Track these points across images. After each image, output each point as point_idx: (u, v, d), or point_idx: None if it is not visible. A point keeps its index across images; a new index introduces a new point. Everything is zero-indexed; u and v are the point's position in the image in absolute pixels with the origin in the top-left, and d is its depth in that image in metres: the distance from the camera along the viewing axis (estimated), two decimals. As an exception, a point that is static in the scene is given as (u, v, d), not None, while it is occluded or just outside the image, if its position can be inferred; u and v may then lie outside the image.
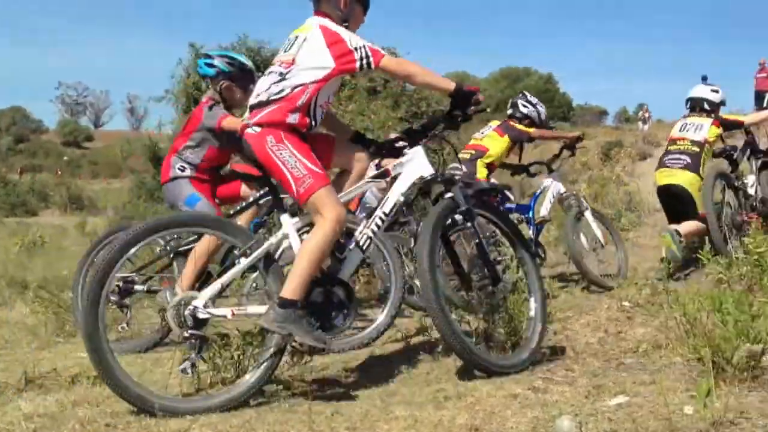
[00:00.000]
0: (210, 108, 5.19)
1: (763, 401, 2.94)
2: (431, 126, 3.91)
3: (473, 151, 6.98)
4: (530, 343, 3.87)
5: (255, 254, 3.49)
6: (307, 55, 3.61)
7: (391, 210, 3.76)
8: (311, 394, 3.39)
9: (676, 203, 6.81)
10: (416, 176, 3.82)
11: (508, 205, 6.66)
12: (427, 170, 3.82)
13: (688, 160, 6.76)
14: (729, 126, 7.19)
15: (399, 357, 4.25)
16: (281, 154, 3.52)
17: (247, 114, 3.70)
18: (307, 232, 3.65)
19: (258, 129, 3.56)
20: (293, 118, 3.57)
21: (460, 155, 6.29)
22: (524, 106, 7.36)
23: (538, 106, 7.37)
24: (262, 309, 3.51)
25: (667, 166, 6.87)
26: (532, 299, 3.98)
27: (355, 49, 3.57)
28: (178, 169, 5.23)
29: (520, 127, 7.14)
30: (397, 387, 3.56)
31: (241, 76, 5.33)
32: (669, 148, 7.05)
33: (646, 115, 34.12)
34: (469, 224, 3.83)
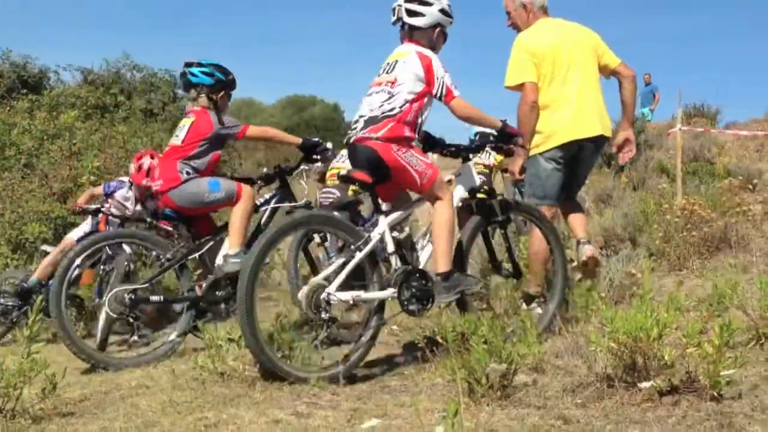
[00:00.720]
0: (217, 117, 5.41)
1: (513, 418, 3.10)
2: (479, 149, 4.96)
3: None
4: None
5: (366, 249, 4.16)
6: (406, 76, 4.30)
7: None
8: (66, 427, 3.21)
9: None
10: (468, 186, 4.66)
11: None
12: (476, 182, 4.71)
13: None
14: None
15: (165, 384, 4.09)
16: (405, 156, 4.25)
17: (360, 125, 4.33)
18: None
19: (382, 141, 4.22)
20: (407, 132, 4.29)
21: (329, 181, 7.34)
22: None
23: None
24: (380, 294, 4.22)
25: None
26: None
27: (437, 78, 4.31)
28: (186, 173, 5.32)
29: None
30: (158, 417, 3.41)
31: (232, 85, 5.64)
32: None
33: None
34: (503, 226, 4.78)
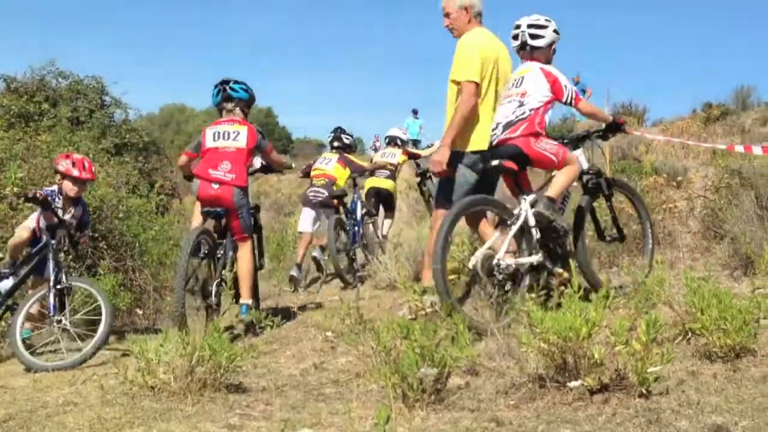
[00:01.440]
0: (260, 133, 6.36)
1: (447, 422, 3.11)
2: (587, 138, 5.67)
3: (326, 179, 9.16)
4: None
5: (518, 223, 4.99)
6: (533, 88, 5.18)
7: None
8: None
9: None
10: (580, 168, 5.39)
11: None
12: (585, 165, 5.52)
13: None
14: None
15: (93, 400, 3.97)
16: (540, 145, 5.10)
17: (499, 130, 5.16)
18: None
19: (521, 138, 5.07)
20: (537, 128, 5.11)
21: (315, 181, 9.19)
22: (346, 138, 9.65)
23: (352, 137, 9.70)
24: (531, 258, 5.01)
25: None
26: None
27: (565, 86, 5.21)
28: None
29: (356, 161, 9.58)
30: None
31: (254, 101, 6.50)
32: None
33: (378, 143, 35.40)
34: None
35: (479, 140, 5.14)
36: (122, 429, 3.33)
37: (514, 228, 4.98)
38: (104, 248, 6.78)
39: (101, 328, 5.32)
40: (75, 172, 6.01)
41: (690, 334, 3.91)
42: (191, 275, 5.63)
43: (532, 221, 5.04)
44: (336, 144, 9.59)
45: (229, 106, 6.27)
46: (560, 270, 4.74)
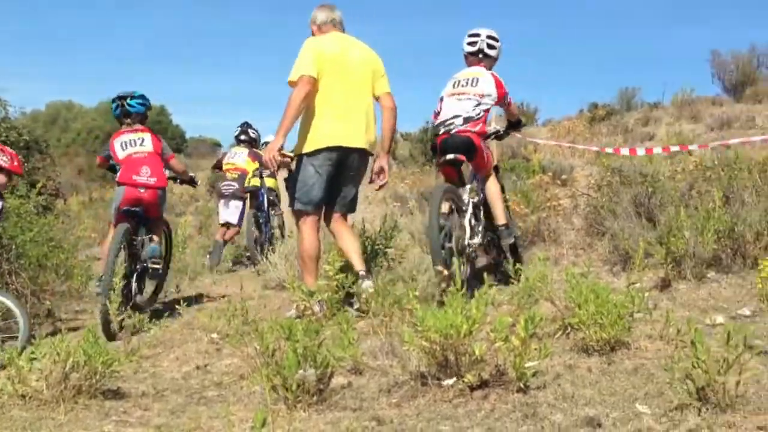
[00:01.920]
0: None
1: (328, 422, 3.08)
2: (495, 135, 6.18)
3: (238, 173, 10.08)
4: None
5: (470, 210, 5.64)
6: (488, 91, 5.82)
7: None
8: None
9: None
10: None
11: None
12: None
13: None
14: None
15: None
16: (484, 144, 5.85)
17: (459, 121, 5.74)
18: None
19: (476, 134, 5.73)
20: (484, 129, 5.88)
21: (228, 175, 10.16)
22: (252, 132, 10.45)
23: (258, 132, 10.44)
24: (477, 240, 5.72)
25: None
26: None
27: (507, 93, 5.95)
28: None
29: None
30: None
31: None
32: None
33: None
34: None
35: (323, 138, 5.21)
36: (-12, 440, 3.17)
37: (467, 215, 5.62)
38: (-23, 251, 6.46)
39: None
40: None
41: (569, 328, 4.01)
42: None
43: (470, 209, 5.67)
44: (243, 138, 10.36)
45: (128, 120, 6.81)
46: (441, 268, 4.80)
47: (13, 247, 6.68)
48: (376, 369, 3.76)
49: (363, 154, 5.39)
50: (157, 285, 6.88)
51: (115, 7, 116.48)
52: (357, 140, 5.29)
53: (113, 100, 6.97)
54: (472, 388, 3.18)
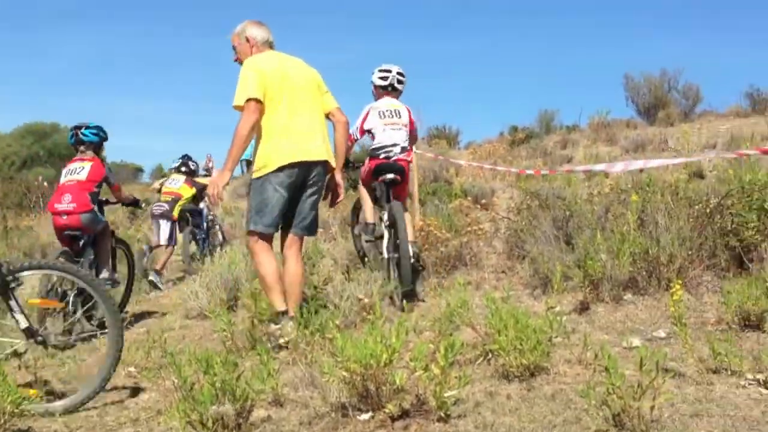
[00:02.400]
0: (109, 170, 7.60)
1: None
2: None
3: (172, 197, 10.69)
4: None
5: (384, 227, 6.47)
6: (406, 122, 6.75)
7: None
8: None
9: None
10: None
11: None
12: None
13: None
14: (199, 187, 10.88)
15: None
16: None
17: (398, 150, 6.65)
18: None
19: (408, 162, 6.84)
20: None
21: (162, 198, 10.69)
22: (192, 164, 11.27)
23: (197, 163, 11.34)
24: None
25: None
26: None
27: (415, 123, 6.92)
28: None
29: (201, 181, 11.15)
30: None
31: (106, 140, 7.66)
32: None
33: (210, 164, 34.22)
34: None
35: (281, 156, 5.04)
36: None
37: (385, 231, 6.35)
38: None
39: None
40: None
41: (490, 354, 4.03)
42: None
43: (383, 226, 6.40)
44: (183, 169, 11.19)
45: (82, 148, 7.40)
46: (361, 296, 4.79)
47: None
48: (296, 401, 3.71)
49: (325, 167, 5.24)
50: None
51: (32, 30, 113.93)
52: (318, 153, 5.14)
53: (70, 129, 7.63)
54: (393, 419, 3.16)
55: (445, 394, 3.12)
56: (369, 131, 6.67)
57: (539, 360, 3.67)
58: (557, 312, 4.06)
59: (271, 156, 5.05)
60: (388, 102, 6.73)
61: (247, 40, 5.34)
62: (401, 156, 6.59)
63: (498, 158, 15.50)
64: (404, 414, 3.19)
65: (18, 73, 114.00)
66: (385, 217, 6.38)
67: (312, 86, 5.28)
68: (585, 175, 11.39)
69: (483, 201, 8.73)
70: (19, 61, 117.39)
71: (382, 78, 6.78)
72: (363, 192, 6.85)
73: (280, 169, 5.02)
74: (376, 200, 6.71)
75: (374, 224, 6.71)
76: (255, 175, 5.13)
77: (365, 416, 3.16)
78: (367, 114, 6.69)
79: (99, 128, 7.49)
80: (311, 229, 5.35)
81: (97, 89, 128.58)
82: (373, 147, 6.67)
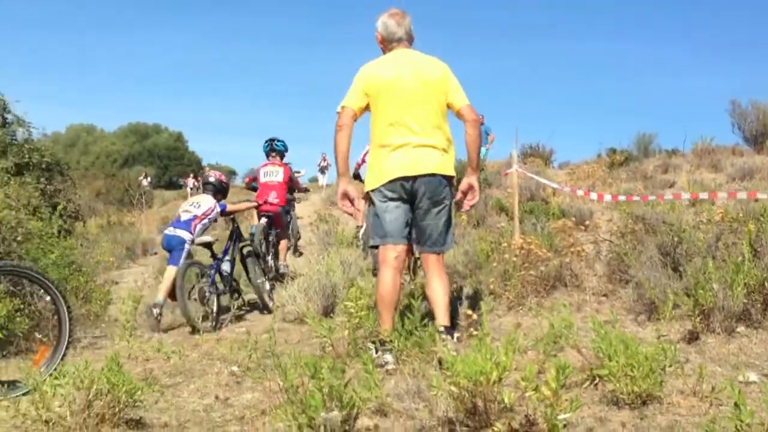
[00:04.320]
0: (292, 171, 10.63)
1: (355, 466, 3.03)
2: None
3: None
4: None
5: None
6: None
7: None
8: None
9: None
10: None
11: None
12: None
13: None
14: None
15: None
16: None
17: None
18: None
19: None
20: None
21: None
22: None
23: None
24: None
25: None
26: None
27: None
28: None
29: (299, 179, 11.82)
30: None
31: None
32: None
33: (324, 163, 34.43)
34: None
35: (381, 172, 4.97)
36: (10, 467, 3.14)
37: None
38: (0, 271, 6.46)
39: None
40: None
41: (597, 379, 3.95)
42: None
43: None
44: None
45: (273, 155, 10.36)
46: (469, 311, 4.73)
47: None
48: (401, 411, 3.70)
49: (438, 179, 4.97)
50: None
51: (131, 30, 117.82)
52: (423, 167, 4.91)
53: (266, 141, 10.40)
54: (502, 438, 3.12)
55: (558, 417, 3.06)
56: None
57: (652, 389, 3.57)
58: (669, 340, 3.96)
59: (373, 170, 5.03)
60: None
61: (379, 35, 5.18)
62: None
63: (597, 180, 15.23)
64: (513, 433, 3.15)
65: (119, 75, 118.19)
66: None
67: (434, 90, 4.98)
68: (689, 202, 11.08)
69: (586, 222, 8.58)
70: (119, 63, 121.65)
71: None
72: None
73: (384, 185, 4.96)
74: None
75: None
76: (366, 189, 5.13)
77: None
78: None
79: (284, 142, 10.40)
80: (441, 243, 5.09)
81: (192, 92, 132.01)
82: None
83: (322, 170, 33.42)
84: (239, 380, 4.85)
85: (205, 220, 8.51)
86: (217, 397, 4.45)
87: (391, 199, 4.97)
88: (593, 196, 8.73)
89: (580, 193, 9.39)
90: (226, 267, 8.09)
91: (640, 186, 14.87)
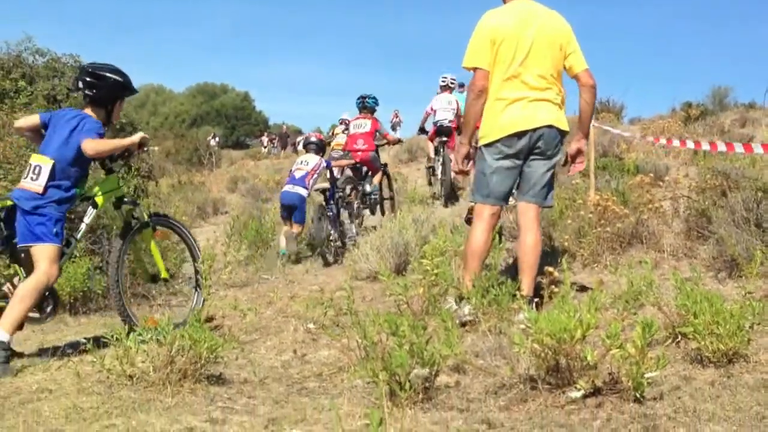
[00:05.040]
0: (379, 123, 11.55)
1: (437, 422, 3.04)
2: None
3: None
4: None
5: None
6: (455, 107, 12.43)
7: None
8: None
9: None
10: None
11: None
12: None
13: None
14: None
15: (69, 387, 3.84)
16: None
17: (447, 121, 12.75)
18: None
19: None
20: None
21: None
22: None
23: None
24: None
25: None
26: None
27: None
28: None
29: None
30: (62, 424, 3.20)
31: None
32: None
33: (396, 119, 34.78)
34: None
35: (501, 127, 4.82)
36: (100, 419, 3.23)
37: None
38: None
39: None
40: None
41: (680, 337, 3.86)
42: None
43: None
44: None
45: (365, 110, 11.34)
46: (550, 269, 4.64)
47: (114, 228, 6.82)
48: (481, 369, 3.69)
49: (552, 132, 4.85)
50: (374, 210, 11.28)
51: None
52: (542, 119, 4.78)
53: (358, 97, 11.42)
54: (585, 396, 3.08)
55: (643, 375, 3.00)
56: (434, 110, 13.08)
57: (738, 347, 3.47)
58: (755, 298, 3.84)
59: (492, 125, 4.86)
60: (445, 96, 13.23)
61: None
62: (448, 124, 12.80)
63: (672, 135, 14.82)
64: (596, 391, 3.10)
65: (186, 36, 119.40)
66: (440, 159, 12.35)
67: (554, 46, 4.83)
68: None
69: (665, 178, 8.37)
70: (184, 27, 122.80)
71: (443, 80, 13.54)
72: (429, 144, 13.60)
73: (499, 140, 4.83)
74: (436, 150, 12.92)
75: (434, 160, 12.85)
76: (479, 143, 4.98)
77: (576, 394, 3.08)
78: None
79: (375, 98, 11.39)
80: (542, 196, 4.98)
81: (259, 51, 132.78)
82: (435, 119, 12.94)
83: (393, 127, 33.41)
84: (315, 337, 4.89)
85: (315, 175, 9.70)
86: (295, 353, 4.50)
87: (507, 156, 4.84)
88: (676, 143, 8.48)
89: (662, 141, 9.12)
90: (332, 210, 9.47)
91: (719, 140, 14.42)
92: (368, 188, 11.01)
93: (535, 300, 4.49)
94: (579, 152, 5.05)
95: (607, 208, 6.70)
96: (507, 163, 4.85)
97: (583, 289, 5.43)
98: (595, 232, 6.51)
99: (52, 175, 4.68)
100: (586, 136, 5.12)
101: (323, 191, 9.66)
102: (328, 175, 9.97)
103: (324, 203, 9.58)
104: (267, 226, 9.87)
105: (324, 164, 9.87)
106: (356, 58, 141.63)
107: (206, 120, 66.10)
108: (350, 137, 11.29)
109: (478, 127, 5.02)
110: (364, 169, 11.10)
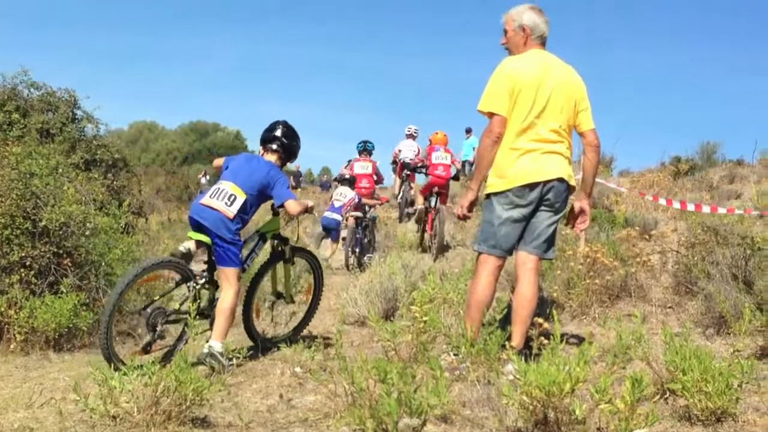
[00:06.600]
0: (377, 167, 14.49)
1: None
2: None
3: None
4: None
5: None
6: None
7: None
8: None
9: None
10: None
11: None
12: None
13: None
14: None
15: (50, 426, 3.80)
16: None
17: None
18: None
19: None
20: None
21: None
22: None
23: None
24: None
25: None
26: None
27: None
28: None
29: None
30: None
31: None
32: None
33: (398, 154, 34.15)
34: None
35: (515, 176, 4.78)
36: (81, 460, 3.17)
37: None
38: (68, 265, 6.56)
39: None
40: None
41: (668, 393, 3.86)
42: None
43: None
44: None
45: (365, 154, 14.18)
46: (540, 320, 4.63)
47: (102, 264, 6.80)
48: (468, 419, 3.66)
49: (563, 186, 4.84)
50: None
51: (194, 33, 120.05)
52: (553, 171, 4.78)
53: (359, 142, 14.44)
54: (573, 450, 3.07)
55: (633, 431, 2.99)
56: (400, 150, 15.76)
57: (727, 405, 3.47)
58: (743, 356, 3.85)
59: (503, 175, 4.82)
60: (410, 142, 16.04)
61: (522, 29, 4.93)
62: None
63: (661, 189, 14.93)
64: (584, 446, 3.08)
65: (180, 75, 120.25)
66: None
67: (569, 101, 4.85)
68: (758, 215, 10.79)
69: (653, 231, 8.42)
70: (180, 64, 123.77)
71: (407, 130, 16.40)
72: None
73: (510, 190, 4.79)
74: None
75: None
76: (486, 191, 4.94)
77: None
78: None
79: (373, 143, 14.34)
80: (544, 249, 4.95)
81: (249, 91, 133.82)
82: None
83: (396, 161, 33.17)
84: (302, 381, 4.85)
85: (349, 207, 12.69)
86: (281, 397, 4.46)
87: (517, 206, 4.81)
88: (662, 201, 8.55)
89: (648, 197, 9.19)
90: (359, 233, 12.47)
91: (707, 196, 14.54)
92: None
93: (525, 352, 4.47)
94: (582, 211, 5.08)
95: (596, 259, 6.73)
96: (516, 214, 4.82)
97: (573, 340, 5.42)
98: (585, 284, 6.52)
99: (243, 208, 5.55)
100: (590, 195, 5.13)
101: (356, 218, 12.52)
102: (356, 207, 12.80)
103: (354, 226, 12.41)
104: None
105: (357, 199, 12.79)
106: (350, 101, 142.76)
107: (198, 158, 66.01)
108: (357, 177, 13.61)
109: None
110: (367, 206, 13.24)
